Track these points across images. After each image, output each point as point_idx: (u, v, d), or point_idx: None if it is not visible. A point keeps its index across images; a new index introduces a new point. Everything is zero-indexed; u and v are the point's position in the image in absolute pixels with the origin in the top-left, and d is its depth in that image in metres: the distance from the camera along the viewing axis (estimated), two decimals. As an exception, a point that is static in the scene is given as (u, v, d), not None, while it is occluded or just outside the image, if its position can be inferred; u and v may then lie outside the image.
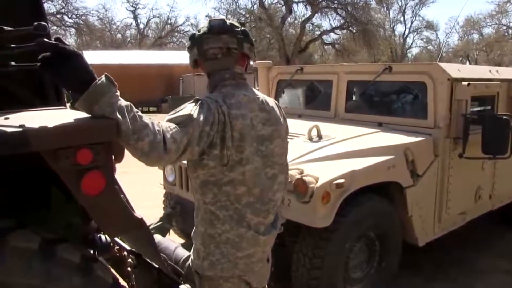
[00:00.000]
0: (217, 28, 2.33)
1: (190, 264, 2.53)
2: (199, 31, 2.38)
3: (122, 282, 2.58)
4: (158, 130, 1.98)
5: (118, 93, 1.91)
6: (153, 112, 32.06)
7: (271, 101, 2.53)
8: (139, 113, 1.96)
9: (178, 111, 2.19)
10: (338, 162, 4.11)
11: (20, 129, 1.75)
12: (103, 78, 1.86)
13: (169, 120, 2.13)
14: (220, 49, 2.34)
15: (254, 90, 2.49)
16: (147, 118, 1.99)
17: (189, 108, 2.17)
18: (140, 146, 1.93)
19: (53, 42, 1.86)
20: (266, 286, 2.71)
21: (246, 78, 2.47)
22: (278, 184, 2.49)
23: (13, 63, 2.25)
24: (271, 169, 2.45)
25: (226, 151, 2.22)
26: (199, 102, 2.21)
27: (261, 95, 2.48)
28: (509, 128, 4.60)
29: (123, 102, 1.90)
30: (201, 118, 2.12)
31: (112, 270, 2.41)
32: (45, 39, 1.86)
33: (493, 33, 50.24)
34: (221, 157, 2.23)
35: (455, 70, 4.92)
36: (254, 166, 2.34)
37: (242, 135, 2.27)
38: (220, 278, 2.40)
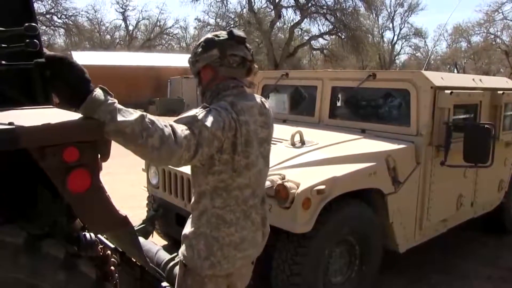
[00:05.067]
0: (240, 38, 2.42)
1: (181, 257, 2.55)
2: (217, 36, 2.43)
3: (105, 279, 2.60)
4: (165, 125, 2.01)
5: (115, 100, 1.93)
6: (141, 114, 31.93)
7: (267, 104, 2.62)
8: (144, 112, 1.99)
9: (184, 115, 2.22)
10: (320, 168, 4.12)
11: (9, 127, 1.79)
12: (97, 90, 1.91)
13: (175, 121, 2.15)
14: (239, 58, 2.43)
15: (254, 95, 2.56)
16: (153, 116, 2.02)
17: (195, 111, 2.21)
18: (150, 142, 1.93)
19: (59, 55, 1.94)
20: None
21: (248, 87, 2.54)
22: (265, 179, 2.65)
23: (3, 62, 2.27)
24: (267, 168, 2.62)
25: (237, 156, 2.30)
26: (207, 108, 2.24)
27: (259, 99, 2.56)
28: (490, 136, 4.64)
29: (122, 107, 1.93)
30: (208, 121, 2.14)
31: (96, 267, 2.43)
32: (51, 53, 1.94)
33: (481, 41, 50.62)
34: (232, 163, 2.30)
35: (438, 78, 4.96)
36: (259, 168, 2.47)
37: (248, 141, 2.35)
38: (205, 276, 2.45)
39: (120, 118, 1.88)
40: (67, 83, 1.91)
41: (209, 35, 2.48)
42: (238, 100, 2.37)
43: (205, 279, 2.47)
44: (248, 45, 2.48)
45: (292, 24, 41.84)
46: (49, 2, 44.79)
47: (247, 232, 2.47)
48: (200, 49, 2.45)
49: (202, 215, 2.45)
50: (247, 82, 2.52)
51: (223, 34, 2.43)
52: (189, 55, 2.59)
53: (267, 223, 2.66)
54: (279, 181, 3.83)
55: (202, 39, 2.50)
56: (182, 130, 2.05)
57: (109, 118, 1.87)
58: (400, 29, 57.05)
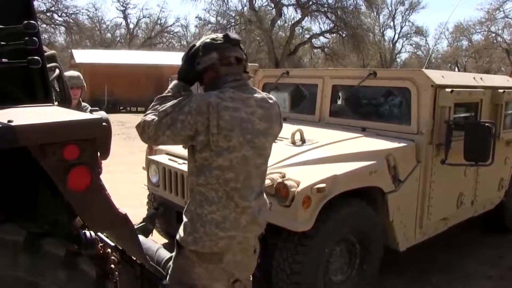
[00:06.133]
0: (235, 41, 2.68)
1: (177, 237, 2.72)
2: (214, 40, 2.68)
3: (105, 277, 2.60)
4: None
5: None
6: (142, 112, 31.92)
7: (271, 100, 2.76)
8: None
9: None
10: (320, 167, 4.12)
11: (9, 125, 1.79)
12: None
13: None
14: (235, 58, 2.68)
15: (256, 89, 2.77)
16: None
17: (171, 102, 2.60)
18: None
19: None
20: (251, 276, 2.91)
21: (247, 81, 2.78)
22: (261, 172, 2.74)
23: (4, 60, 2.28)
24: (259, 159, 2.68)
25: (211, 137, 2.49)
26: (183, 98, 2.60)
27: (263, 94, 2.75)
28: (491, 135, 4.64)
29: None
30: (169, 109, 2.55)
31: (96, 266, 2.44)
32: None
33: (482, 40, 50.50)
34: (207, 143, 2.51)
35: (439, 76, 4.96)
36: (243, 154, 2.58)
37: (231, 125, 2.52)
38: (191, 253, 2.62)
39: None
40: None
41: (207, 40, 2.70)
42: (234, 90, 2.60)
43: (193, 258, 2.62)
44: (242, 46, 2.73)
45: (293, 22, 41.85)
46: (50, 0, 44.83)
47: (229, 212, 2.60)
48: (200, 54, 2.67)
49: (191, 193, 2.70)
50: (245, 76, 2.75)
51: (220, 38, 2.67)
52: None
53: (259, 220, 2.73)
54: (279, 180, 3.83)
55: (200, 43, 2.72)
56: (151, 116, 2.58)
57: None
58: (401, 28, 56.94)
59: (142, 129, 2.58)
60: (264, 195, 2.84)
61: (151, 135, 2.54)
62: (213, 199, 2.59)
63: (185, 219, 2.68)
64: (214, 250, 2.60)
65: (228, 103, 2.52)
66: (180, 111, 2.51)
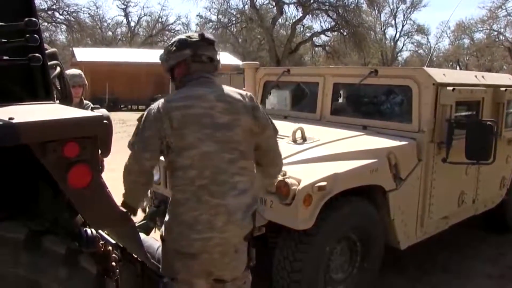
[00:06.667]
0: (210, 40, 2.78)
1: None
2: (190, 37, 2.77)
3: (106, 275, 2.61)
4: None
5: None
6: (142, 110, 31.91)
7: (238, 94, 2.77)
8: None
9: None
10: (321, 165, 4.11)
11: (10, 122, 1.79)
12: None
13: None
14: (208, 57, 2.76)
15: (220, 86, 2.78)
16: None
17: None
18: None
19: None
20: (239, 276, 2.87)
21: (214, 79, 2.82)
22: (238, 169, 2.70)
23: (5, 57, 2.28)
24: (229, 154, 2.66)
25: (168, 139, 2.59)
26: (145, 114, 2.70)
27: (226, 88, 2.77)
28: (492, 133, 4.63)
29: None
30: (139, 131, 2.66)
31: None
32: None
33: (484, 38, 50.47)
34: (168, 145, 2.61)
35: (440, 75, 4.94)
36: (204, 150, 2.61)
37: (184, 123, 2.58)
38: (171, 251, 2.72)
39: None
40: None
41: (182, 36, 2.81)
42: (194, 87, 2.69)
43: (172, 255, 2.72)
44: (216, 47, 2.82)
45: (294, 20, 41.87)
46: (51, -2, 44.82)
47: (200, 214, 2.61)
48: (173, 48, 2.76)
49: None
50: (215, 74, 2.83)
51: (195, 36, 2.76)
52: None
53: (238, 212, 2.68)
54: (280, 178, 3.82)
55: (175, 39, 2.82)
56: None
57: None
58: (403, 26, 56.86)
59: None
60: (259, 196, 2.84)
61: (141, 167, 2.65)
62: (181, 200, 2.65)
63: (166, 217, 2.77)
64: (191, 251, 2.65)
65: (179, 103, 2.61)
66: (143, 130, 2.63)
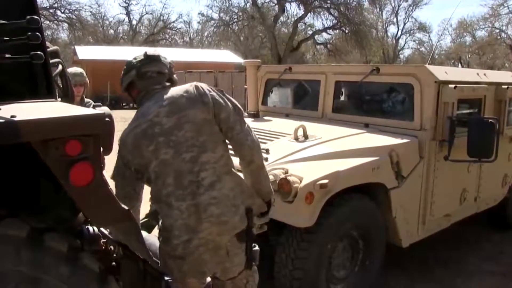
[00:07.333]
0: (153, 57, 2.89)
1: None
2: (135, 59, 2.89)
3: (108, 272, 2.61)
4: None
5: None
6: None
7: (181, 91, 2.78)
8: None
9: None
10: (323, 163, 4.11)
11: (12, 120, 1.79)
12: None
13: None
14: (155, 72, 2.86)
15: (165, 90, 2.83)
16: None
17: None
18: None
19: None
20: (236, 276, 2.90)
21: (160, 87, 2.87)
22: (201, 164, 2.69)
23: (7, 55, 2.27)
24: (188, 153, 2.68)
25: (131, 165, 2.76)
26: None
27: (171, 90, 2.82)
28: (494, 131, 4.62)
29: None
30: (115, 166, 2.84)
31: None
32: None
33: (486, 36, 50.40)
34: (138, 169, 2.79)
35: (442, 72, 4.94)
36: (161, 158, 2.68)
37: (136, 143, 2.70)
38: (164, 252, 2.82)
39: None
40: None
41: (129, 59, 2.94)
42: (145, 104, 2.79)
43: (165, 255, 2.82)
44: (164, 59, 2.93)
45: (295, 18, 41.83)
46: (53, -4, 44.82)
47: (174, 220, 2.69)
48: (122, 72, 2.92)
49: None
50: (164, 84, 2.88)
51: (140, 56, 2.89)
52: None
53: (210, 208, 2.67)
54: (282, 175, 3.82)
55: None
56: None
57: None
58: (404, 24, 56.81)
59: None
60: (231, 179, 2.77)
61: (126, 194, 2.82)
62: (158, 210, 2.79)
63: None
64: (176, 254, 2.74)
65: (131, 127, 2.75)
66: (118, 162, 2.81)
